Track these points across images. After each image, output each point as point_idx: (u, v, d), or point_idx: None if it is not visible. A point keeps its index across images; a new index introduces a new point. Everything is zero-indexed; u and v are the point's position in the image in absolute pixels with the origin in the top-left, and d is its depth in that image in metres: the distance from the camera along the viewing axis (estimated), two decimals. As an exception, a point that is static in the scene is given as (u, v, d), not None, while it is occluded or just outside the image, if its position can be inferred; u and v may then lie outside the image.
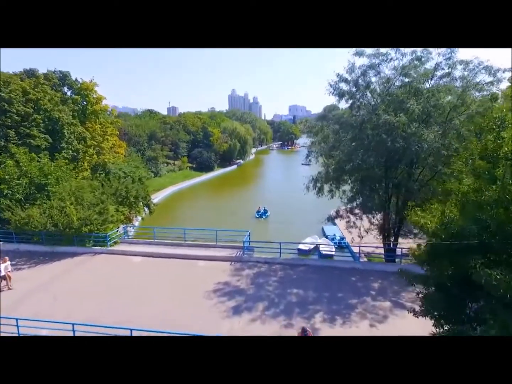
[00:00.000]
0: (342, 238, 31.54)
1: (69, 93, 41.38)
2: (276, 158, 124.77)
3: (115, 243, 22.18)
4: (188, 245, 21.79)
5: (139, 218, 31.87)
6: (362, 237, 22.62)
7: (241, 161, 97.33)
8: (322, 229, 36.38)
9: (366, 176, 19.67)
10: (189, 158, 77.73)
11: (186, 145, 78.67)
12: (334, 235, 32.63)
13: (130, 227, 25.70)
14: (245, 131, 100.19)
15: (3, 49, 34.74)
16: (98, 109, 41.56)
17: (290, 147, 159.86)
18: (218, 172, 79.66)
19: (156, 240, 22.55)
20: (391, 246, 23.10)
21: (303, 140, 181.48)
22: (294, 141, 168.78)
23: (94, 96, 41.60)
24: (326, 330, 12.54)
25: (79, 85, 41.28)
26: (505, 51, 9.70)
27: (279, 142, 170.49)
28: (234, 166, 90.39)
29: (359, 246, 20.95)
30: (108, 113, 45.92)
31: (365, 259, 24.23)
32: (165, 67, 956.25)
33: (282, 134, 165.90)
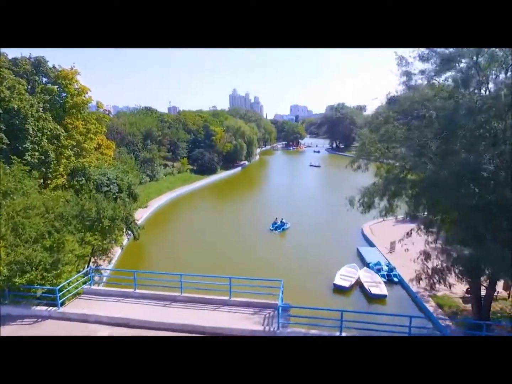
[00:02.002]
0: (391, 269, 23.67)
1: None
2: (282, 159, 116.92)
3: (77, 294, 14.56)
4: (186, 299, 14.09)
5: (125, 242, 24.08)
6: (450, 286, 15.01)
7: (245, 162, 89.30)
8: (358, 251, 28.46)
9: (472, 191, 12.01)
10: (189, 159, 69.91)
11: (186, 145, 70.77)
12: (379, 263, 24.77)
13: (98, 269, 17.85)
14: (250, 130, 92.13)
15: (3, 49, 29.90)
16: (80, 102, 34.07)
17: (295, 147, 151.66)
18: (221, 175, 71.87)
19: (137, 291, 14.77)
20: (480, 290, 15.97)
21: (309, 140, 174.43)
22: (300, 141, 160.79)
23: (76, 86, 34.18)
24: None
25: (56, 73, 33.91)
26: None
27: (283, 142, 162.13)
28: (239, 168, 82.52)
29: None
30: (93, 106, 38.37)
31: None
32: (165, 67, 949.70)
33: (287, 134, 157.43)
